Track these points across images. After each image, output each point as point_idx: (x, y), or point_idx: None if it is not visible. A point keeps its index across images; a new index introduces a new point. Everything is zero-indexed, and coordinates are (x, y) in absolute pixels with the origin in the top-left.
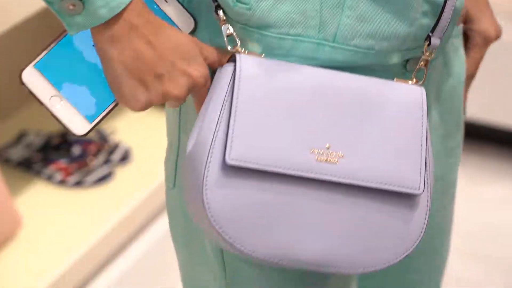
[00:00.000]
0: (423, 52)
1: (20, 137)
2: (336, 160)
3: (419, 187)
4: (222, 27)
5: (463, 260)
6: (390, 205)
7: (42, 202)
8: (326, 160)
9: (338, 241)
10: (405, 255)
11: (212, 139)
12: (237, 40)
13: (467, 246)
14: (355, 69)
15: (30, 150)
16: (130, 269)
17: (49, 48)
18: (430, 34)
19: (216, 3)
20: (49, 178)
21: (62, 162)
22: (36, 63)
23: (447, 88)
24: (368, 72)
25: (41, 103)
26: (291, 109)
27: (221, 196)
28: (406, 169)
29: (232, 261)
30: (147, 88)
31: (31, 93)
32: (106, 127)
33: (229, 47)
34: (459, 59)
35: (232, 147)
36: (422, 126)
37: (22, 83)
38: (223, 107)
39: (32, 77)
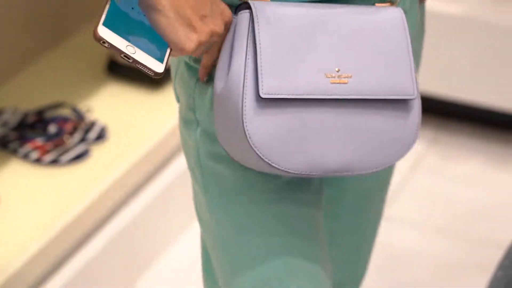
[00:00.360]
0: None
1: None
2: (347, 80)
3: (413, 92)
4: None
5: (435, 236)
6: (392, 112)
7: (18, 180)
8: (339, 82)
9: (354, 149)
10: (405, 153)
11: (244, 77)
12: None
13: (441, 223)
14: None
15: (5, 128)
16: (107, 247)
17: (106, 8)
18: None
19: None
20: (25, 157)
21: (38, 141)
22: (104, 21)
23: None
24: (353, 1)
25: (120, 52)
26: (302, 42)
27: (258, 125)
28: (402, 80)
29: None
30: (195, 30)
31: (110, 46)
32: (82, 105)
33: None
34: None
35: (264, 83)
36: (407, 40)
37: (99, 39)
38: (247, 48)
39: (104, 33)
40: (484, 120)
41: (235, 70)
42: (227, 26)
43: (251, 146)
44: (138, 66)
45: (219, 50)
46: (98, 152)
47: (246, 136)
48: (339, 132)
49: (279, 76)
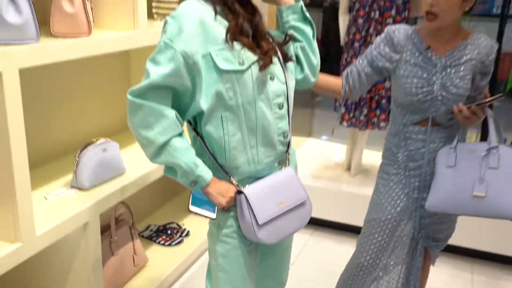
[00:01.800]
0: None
1: (148, 227)
2: (285, 203)
3: (306, 196)
4: (231, 179)
5: None
6: (303, 207)
7: (156, 252)
8: (286, 205)
9: (295, 225)
10: (307, 221)
11: (250, 218)
12: (234, 181)
13: None
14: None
15: (151, 231)
16: None
17: (191, 196)
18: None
19: (226, 173)
20: (158, 243)
21: (164, 236)
22: (191, 202)
23: None
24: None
25: (203, 215)
26: (271, 194)
27: (259, 232)
28: (302, 193)
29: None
30: (222, 199)
31: (197, 213)
32: (181, 223)
33: (233, 181)
34: None
35: (258, 218)
36: (297, 179)
37: (191, 211)
38: (249, 209)
39: (193, 208)
40: None
41: (246, 215)
42: (235, 195)
43: (258, 239)
44: (204, 215)
45: (233, 202)
46: (187, 241)
47: (257, 236)
48: (291, 220)
49: (262, 214)
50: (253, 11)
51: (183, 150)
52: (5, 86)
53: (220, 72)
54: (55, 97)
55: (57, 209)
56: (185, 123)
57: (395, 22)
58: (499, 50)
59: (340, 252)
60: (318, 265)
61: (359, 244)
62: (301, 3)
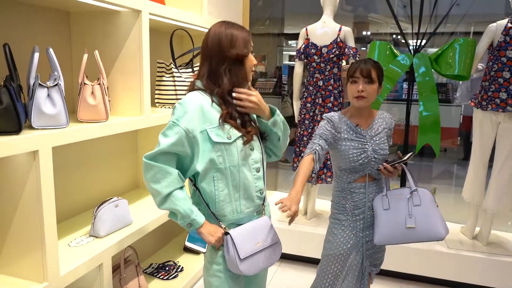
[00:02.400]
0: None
1: (150, 265)
2: (261, 244)
3: (278, 239)
4: (220, 224)
5: None
6: (275, 247)
7: (162, 285)
8: (262, 244)
9: (267, 261)
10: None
11: (234, 253)
12: (222, 225)
13: None
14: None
15: (153, 269)
16: None
17: (187, 235)
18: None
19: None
20: (159, 277)
21: (163, 272)
22: (187, 240)
23: None
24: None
25: (203, 253)
26: (250, 236)
27: (241, 265)
28: (274, 236)
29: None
30: (212, 238)
31: (193, 249)
32: (176, 260)
33: (222, 226)
34: None
35: (240, 253)
36: (271, 226)
37: (186, 248)
38: (234, 246)
39: (188, 244)
40: None
41: (231, 251)
42: (222, 235)
43: (240, 270)
44: (196, 249)
45: (221, 241)
46: (181, 275)
47: (239, 269)
48: (266, 257)
49: (244, 251)
50: None
51: (182, 200)
52: (41, 160)
53: (213, 143)
54: (80, 166)
55: (78, 254)
56: (187, 180)
57: (333, 106)
58: (408, 123)
59: (302, 278)
60: None
61: (319, 274)
62: (273, 119)
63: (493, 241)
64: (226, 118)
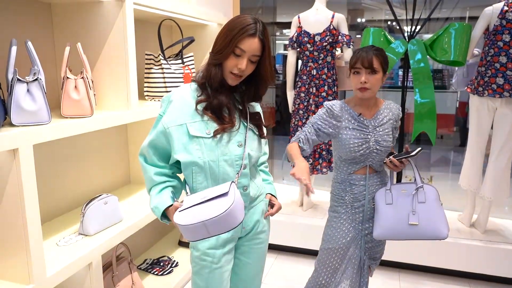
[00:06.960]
0: None
1: (144, 260)
2: (205, 198)
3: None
4: None
5: None
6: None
7: (151, 281)
8: (205, 198)
9: None
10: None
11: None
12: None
13: None
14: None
15: (148, 264)
16: None
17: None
18: None
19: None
20: (153, 273)
21: (157, 268)
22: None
23: None
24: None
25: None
26: (201, 193)
27: (177, 217)
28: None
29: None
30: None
31: (187, 244)
32: (171, 255)
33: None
34: None
35: (182, 208)
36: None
37: (182, 242)
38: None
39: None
40: None
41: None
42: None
43: (176, 223)
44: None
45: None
46: (176, 271)
47: (178, 224)
48: (209, 208)
49: (186, 204)
50: (225, 93)
51: (152, 197)
52: (21, 158)
53: (192, 137)
54: (66, 163)
55: (66, 253)
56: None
57: (328, 95)
58: (403, 111)
59: (298, 269)
60: (282, 282)
61: (317, 267)
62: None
63: (491, 229)
64: (203, 106)
